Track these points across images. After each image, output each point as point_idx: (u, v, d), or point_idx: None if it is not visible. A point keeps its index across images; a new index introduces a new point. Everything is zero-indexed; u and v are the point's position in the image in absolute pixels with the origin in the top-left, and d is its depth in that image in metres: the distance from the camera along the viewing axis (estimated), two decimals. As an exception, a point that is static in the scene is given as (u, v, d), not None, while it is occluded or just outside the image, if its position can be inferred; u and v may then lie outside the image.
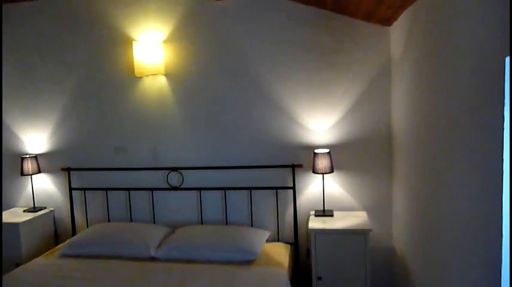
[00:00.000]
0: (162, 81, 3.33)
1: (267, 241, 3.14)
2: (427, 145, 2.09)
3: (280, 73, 3.13)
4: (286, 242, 3.20)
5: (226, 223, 3.33)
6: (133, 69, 3.24)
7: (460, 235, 1.66)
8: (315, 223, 2.89)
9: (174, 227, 3.35)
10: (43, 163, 3.64)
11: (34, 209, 3.58)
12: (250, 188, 3.26)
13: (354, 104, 3.06)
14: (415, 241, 2.44)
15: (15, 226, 3.28)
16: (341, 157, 3.11)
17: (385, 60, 2.99)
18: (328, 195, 3.14)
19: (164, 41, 3.28)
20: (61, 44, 3.48)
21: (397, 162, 2.90)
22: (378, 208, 3.12)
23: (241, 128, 3.25)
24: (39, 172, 3.61)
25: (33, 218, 3.42)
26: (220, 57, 3.22)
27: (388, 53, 2.98)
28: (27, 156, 3.53)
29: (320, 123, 3.12)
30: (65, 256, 2.99)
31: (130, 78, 3.35)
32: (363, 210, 3.13)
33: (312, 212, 3.12)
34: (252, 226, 3.28)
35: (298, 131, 3.16)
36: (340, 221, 2.91)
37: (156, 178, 3.43)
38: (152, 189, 3.43)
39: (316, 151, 3.03)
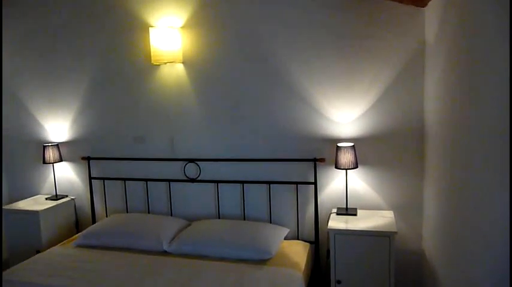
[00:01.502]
0: (179, 69, 3.21)
1: (286, 238, 2.98)
2: (464, 141, 1.82)
3: (302, 60, 2.91)
4: (306, 241, 3.02)
5: (244, 218, 3.19)
6: (150, 56, 3.13)
7: (492, 245, 1.41)
8: (335, 222, 2.68)
9: (191, 220, 3.26)
10: (64, 151, 3.65)
11: (56, 197, 3.60)
12: (269, 183, 3.09)
13: (383, 94, 2.79)
14: (445, 244, 2.17)
15: (35, 213, 3.30)
16: (366, 151, 2.87)
17: (418, 45, 2.69)
18: (351, 192, 2.91)
19: (182, 27, 3.14)
20: (80, 32, 3.43)
21: (429, 158, 2.61)
22: (407, 207, 2.85)
23: (261, 119, 3.07)
24: (60, 160, 3.61)
25: (53, 206, 3.43)
26: (240, 44, 3.04)
27: (421, 37, 2.68)
28: (49, 144, 3.54)
29: (344, 115, 2.89)
30: (80, 246, 2.98)
31: (147, 66, 3.25)
32: (389, 209, 2.88)
33: (334, 210, 2.91)
34: (270, 222, 3.12)
35: (320, 123, 2.95)
36: (363, 221, 2.69)
37: (173, 169, 3.33)
38: (169, 180, 3.34)
39: (340, 144, 2.80)
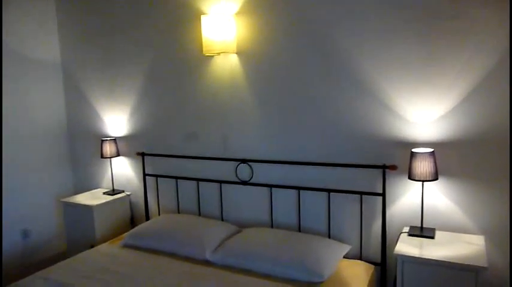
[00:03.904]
0: (233, 60, 2.91)
1: (347, 256, 2.54)
2: None
3: (371, 48, 2.43)
4: (370, 262, 2.55)
5: (299, 229, 2.81)
6: (202, 47, 2.88)
7: None
8: (405, 246, 2.18)
9: (242, 225, 2.98)
10: (122, 146, 3.59)
11: (113, 192, 3.56)
12: (329, 190, 2.67)
13: (474, 89, 2.20)
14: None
15: (89, 208, 3.28)
16: (450, 159, 2.30)
17: (526, 25, 2.06)
18: (429, 208, 2.37)
19: (237, 13, 2.84)
20: (136, 24, 3.32)
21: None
22: (503, 232, 2.23)
23: (322, 117, 2.65)
24: (118, 155, 3.57)
25: (108, 201, 3.39)
26: (300, 31, 2.65)
27: (532, 14, 2.05)
28: (107, 139, 3.50)
29: (422, 114, 2.35)
30: (125, 246, 2.86)
31: (200, 57, 3.01)
32: (479, 233, 2.28)
33: (406, 229, 2.39)
34: (329, 236, 2.70)
35: (392, 122, 2.44)
36: (442, 247, 2.15)
37: (225, 170, 3.07)
38: (221, 181, 3.08)
39: (415, 149, 2.28)
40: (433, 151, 2.24)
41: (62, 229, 3.64)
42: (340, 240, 2.65)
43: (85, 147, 3.85)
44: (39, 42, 3.64)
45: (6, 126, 3.36)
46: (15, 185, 3.44)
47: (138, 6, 3.28)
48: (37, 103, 3.64)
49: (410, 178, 2.27)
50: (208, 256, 2.56)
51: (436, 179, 2.24)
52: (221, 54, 2.92)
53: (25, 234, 3.52)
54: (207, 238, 2.67)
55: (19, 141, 3.47)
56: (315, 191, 2.73)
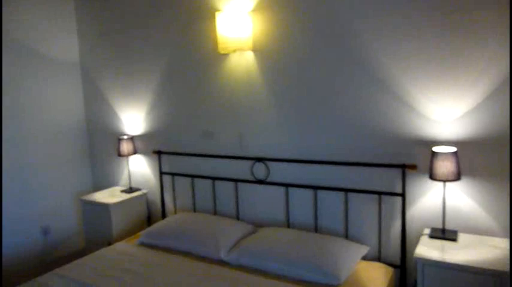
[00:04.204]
0: (249, 58, 2.87)
1: (365, 258, 2.48)
2: None
3: (391, 43, 2.34)
4: (389, 264, 2.48)
5: (316, 229, 2.75)
6: (217, 44, 2.85)
7: None
8: (425, 249, 2.10)
9: (258, 225, 2.95)
10: (139, 144, 3.60)
11: (130, 190, 3.58)
12: (346, 190, 2.61)
13: (498, 87, 2.09)
14: None
15: (106, 206, 3.30)
16: (473, 158, 2.21)
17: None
18: (451, 210, 2.28)
19: (252, 10, 2.80)
20: (152, 22, 3.32)
21: None
22: (532, 235, 2.14)
23: (339, 114, 2.59)
24: (135, 153, 3.58)
25: (124, 199, 3.41)
26: (318, 28, 2.58)
27: None
28: (125, 137, 3.52)
29: (444, 111, 2.25)
30: (141, 244, 2.87)
31: (215, 55, 2.98)
32: (504, 236, 2.18)
33: (426, 231, 2.31)
34: (347, 236, 2.64)
35: (412, 120, 2.36)
36: (465, 251, 2.06)
37: (241, 168, 3.03)
38: (237, 180, 3.05)
39: (436, 148, 2.20)
40: (456, 151, 2.15)
41: (81, 226, 3.69)
42: (358, 241, 2.58)
43: (103, 145, 3.88)
44: (59, 41, 3.69)
45: (26, 125, 3.42)
46: (36, 182, 3.50)
47: (155, 4, 3.27)
48: (57, 102, 3.68)
49: (432, 177, 2.19)
50: (223, 256, 2.54)
51: (458, 179, 2.15)
52: (236, 51, 2.88)
53: (45, 231, 3.58)
54: (222, 238, 2.64)
55: (39, 140, 3.53)
56: (332, 191, 2.67)
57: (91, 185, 4.01)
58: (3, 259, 3.21)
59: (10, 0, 3.27)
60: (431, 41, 2.22)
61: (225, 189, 3.14)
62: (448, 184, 2.23)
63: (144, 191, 3.60)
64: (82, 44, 3.84)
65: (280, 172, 2.86)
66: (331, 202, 2.69)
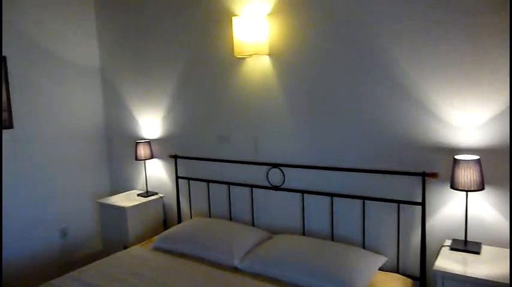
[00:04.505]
0: (265, 62, 2.84)
1: (382, 268, 2.39)
2: None
3: (411, 46, 2.27)
4: (408, 276, 2.38)
5: (332, 238, 2.68)
6: (234, 49, 2.83)
7: None
8: (445, 261, 2.01)
9: (273, 231, 2.90)
10: (156, 148, 3.62)
11: (147, 194, 3.59)
12: (363, 198, 2.53)
13: (528, 90, 2.00)
14: None
15: (122, 209, 3.32)
16: (497, 167, 2.10)
17: None
18: (474, 220, 2.18)
19: (269, 14, 2.77)
20: (169, 27, 3.33)
21: None
22: (561, 250, 2.01)
23: (357, 120, 2.52)
24: (152, 157, 3.59)
25: (140, 203, 3.42)
26: (334, 31, 2.53)
27: None
28: (142, 141, 3.54)
29: (467, 118, 2.16)
30: (156, 249, 2.86)
31: (231, 59, 2.97)
32: (532, 250, 2.07)
33: (447, 242, 2.21)
34: (364, 246, 2.56)
35: (433, 126, 2.27)
36: (489, 264, 1.96)
37: (256, 174, 3.00)
38: (252, 186, 3.02)
39: (459, 156, 2.11)
40: (479, 159, 2.05)
41: (99, 229, 3.72)
42: (376, 251, 2.50)
43: (121, 149, 3.91)
44: (80, 47, 3.75)
45: (48, 128, 3.48)
46: (56, 184, 3.56)
47: (172, 8, 3.29)
48: (77, 106, 3.74)
49: (453, 187, 2.10)
50: (236, 263, 2.50)
51: (482, 189, 2.05)
52: (253, 56, 2.86)
53: (63, 233, 3.63)
54: (235, 245, 2.61)
55: (60, 143, 3.59)
56: (349, 199, 2.59)
57: (109, 188, 4.06)
58: (21, 261, 3.27)
59: (34, 7, 3.35)
60: (454, 44, 2.14)
61: (241, 194, 3.11)
62: (470, 193, 2.13)
63: (161, 195, 3.61)
64: (102, 49, 3.90)
65: (296, 178, 2.81)
66: (348, 209, 2.62)
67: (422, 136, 2.31)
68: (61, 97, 3.60)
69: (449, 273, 1.91)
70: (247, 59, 2.92)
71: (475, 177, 2.02)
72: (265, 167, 2.94)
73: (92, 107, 3.90)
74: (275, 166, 2.88)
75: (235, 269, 2.48)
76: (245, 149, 3.04)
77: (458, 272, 1.91)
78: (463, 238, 2.18)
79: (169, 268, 2.52)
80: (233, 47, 2.82)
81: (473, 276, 1.87)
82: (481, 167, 2.04)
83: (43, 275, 3.22)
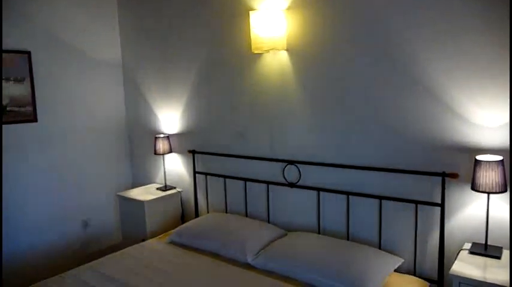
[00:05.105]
0: (283, 57, 2.81)
1: (398, 270, 2.33)
2: None
3: (433, 42, 2.18)
4: (425, 279, 2.31)
5: (348, 237, 2.64)
6: (251, 44, 2.81)
7: None
8: (464, 265, 1.94)
9: (289, 229, 2.88)
10: (174, 143, 3.65)
11: (165, 188, 3.63)
12: (381, 197, 2.47)
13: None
14: None
15: (141, 203, 3.37)
16: (523, 169, 2.00)
17: None
18: (496, 224, 2.09)
19: (287, 8, 2.73)
20: (188, 22, 3.34)
21: None
22: None
23: (375, 118, 2.45)
24: (170, 151, 3.63)
25: (158, 197, 3.46)
26: (354, 26, 2.46)
27: None
28: (161, 136, 3.57)
29: (490, 116, 2.06)
30: (172, 243, 2.90)
31: (249, 55, 2.95)
32: (557, 257, 1.96)
33: (467, 245, 2.13)
34: (380, 246, 2.50)
35: (454, 125, 2.18)
36: (508, 270, 1.87)
37: (272, 171, 2.98)
38: (268, 182, 3.00)
39: (480, 157, 2.02)
40: (502, 159, 1.96)
41: (119, 222, 3.80)
42: (392, 252, 2.44)
43: (142, 143, 3.97)
44: (102, 43, 3.82)
45: (71, 123, 3.58)
46: (79, 177, 3.65)
47: (191, 4, 3.29)
48: (100, 101, 3.82)
49: (474, 188, 2.01)
50: (249, 259, 2.49)
51: (504, 191, 1.96)
52: (270, 51, 2.82)
53: (85, 224, 3.72)
54: (249, 241, 2.60)
55: (83, 137, 3.68)
56: (366, 198, 2.54)
57: (130, 182, 4.13)
58: (45, 249, 3.38)
59: (58, 2, 3.43)
60: (478, 40, 2.04)
61: (257, 191, 3.10)
62: (492, 195, 2.04)
63: (179, 189, 3.64)
64: (124, 45, 3.95)
65: (313, 175, 2.77)
66: (365, 209, 2.56)
67: (443, 135, 2.22)
68: (84, 92, 3.68)
69: (467, 278, 1.84)
70: (265, 55, 2.89)
71: (497, 178, 1.94)
72: (282, 164, 2.91)
73: (113, 101, 3.97)
74: (291, 162, 2.85)
75: (248, 266, 2.48)
76: (262, 145, 3.02)
77: (476, 278, 1.83)
78: (483, 241, 2.09)
79: (182, 262, 2.55)
80: (250, 42, 2.79)
81: (492, 282, 1.79)
82: (504, 168, 1.95)
83: (64, 263, 3.32)
